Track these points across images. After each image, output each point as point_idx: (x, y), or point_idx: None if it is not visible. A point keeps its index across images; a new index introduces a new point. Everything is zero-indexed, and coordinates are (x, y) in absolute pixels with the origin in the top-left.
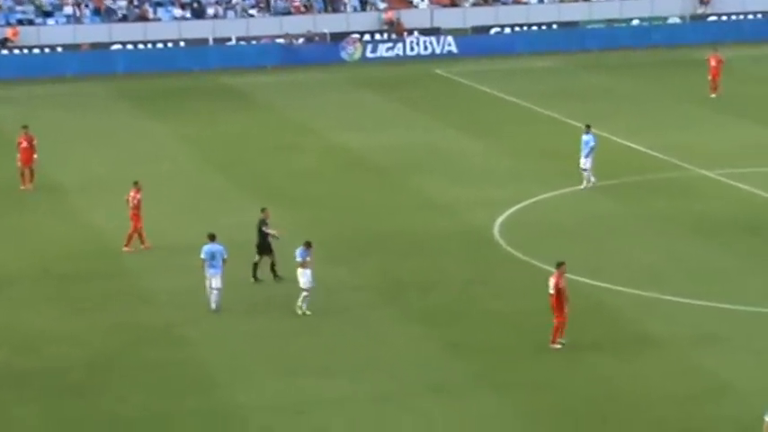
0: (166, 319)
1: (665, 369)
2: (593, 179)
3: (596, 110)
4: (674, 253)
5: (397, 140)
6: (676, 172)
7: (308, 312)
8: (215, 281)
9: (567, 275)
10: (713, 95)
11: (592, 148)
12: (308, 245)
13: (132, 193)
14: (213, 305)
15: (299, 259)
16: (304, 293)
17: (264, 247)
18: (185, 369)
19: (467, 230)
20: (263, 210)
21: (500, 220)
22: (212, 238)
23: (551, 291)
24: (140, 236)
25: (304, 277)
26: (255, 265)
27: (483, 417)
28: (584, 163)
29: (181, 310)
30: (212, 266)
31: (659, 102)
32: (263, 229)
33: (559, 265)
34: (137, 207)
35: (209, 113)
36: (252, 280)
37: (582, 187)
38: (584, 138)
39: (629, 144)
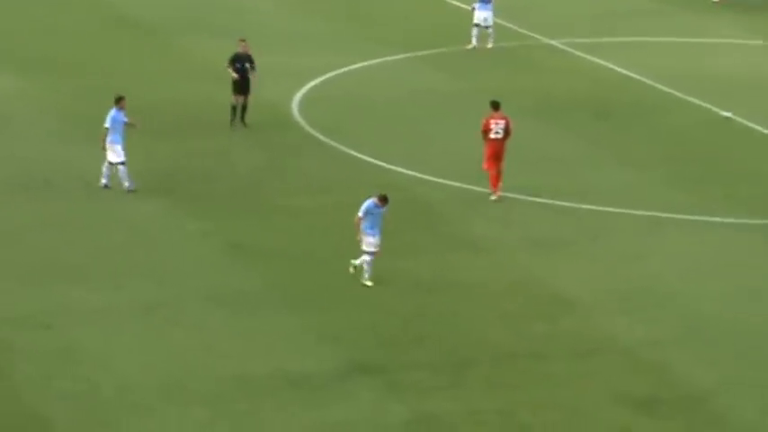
0: None
1: (494, 280)
2: (473, 39)
3: None
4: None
5: None
6: (516, 40)
7: (368, 283)
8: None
9: (380, 163)
10: None
11: None
12: (383, 200)
13: None
14: (126, 183)
15: (362, 215)
16: (366, 257)
17: (244, 86)
18: None
19: (257, 106)
20: (242, 40)
21: (300, 94)
22: (118, 101)
23: (501, 134)
24: None
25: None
26: (235, 109)
27: (272, 334)
28: (485, 17)
29: None
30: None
31: None
32: (246, 64)
33: (497, 105)
34: None
35: None
36: (231, 126)
37: (489, 45)
38: None
39: (459, 5)
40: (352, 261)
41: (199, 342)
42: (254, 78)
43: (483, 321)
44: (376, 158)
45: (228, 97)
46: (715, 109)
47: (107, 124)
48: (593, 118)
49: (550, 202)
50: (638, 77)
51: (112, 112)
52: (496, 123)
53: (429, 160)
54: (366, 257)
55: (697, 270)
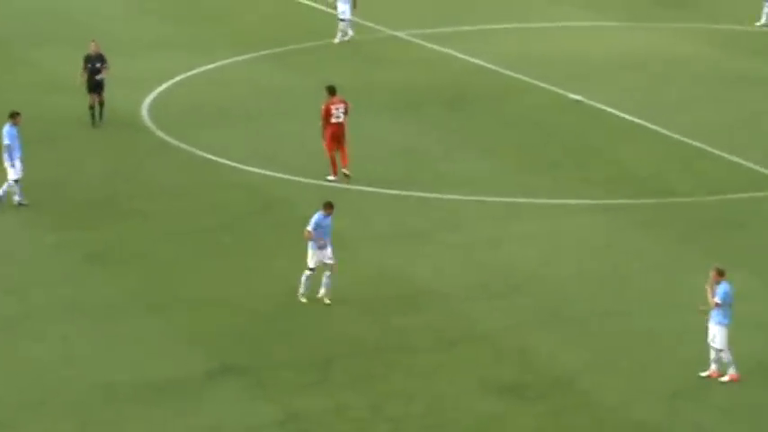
0: None
1: (355, 274)
2: (350, 32)
3: None
4: (363, 133)
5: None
6: (363, 34)
7: (327, 301)
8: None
9: (234, 164)
10: None
11: None
12: (329, 207)
13: None
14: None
15: (311, 228)
16: (308, 272)
17: (98, 84)
18: None
19: (108, 113)
20: (93, 40)
21: (149, 99)
22: (13, 116)
23: (342, 118)
24: None
25: (323, 251)
26: (92, 109)
27: (135, 341)
28: (342, 10)
29: None
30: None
31: None
32: (98, 64)
33: (333, 89)
34: None
35: None
36: (93, 126)
37: (336, 41)
38: None
39: (302, 0)
40: (300, 291)
41: (62, 354)
42: (107, 75)
43: (346, 317)
44: (230, 160)
45: (80, 104)
46: (565, 93)
47: (7, 141)
48: (445, 108)
49: (408, 193)
50: (486, 65)
51: (7, 127)
52: (337, 108)
53: (283, 159)
54: (308, 272)
55: (555, 254)
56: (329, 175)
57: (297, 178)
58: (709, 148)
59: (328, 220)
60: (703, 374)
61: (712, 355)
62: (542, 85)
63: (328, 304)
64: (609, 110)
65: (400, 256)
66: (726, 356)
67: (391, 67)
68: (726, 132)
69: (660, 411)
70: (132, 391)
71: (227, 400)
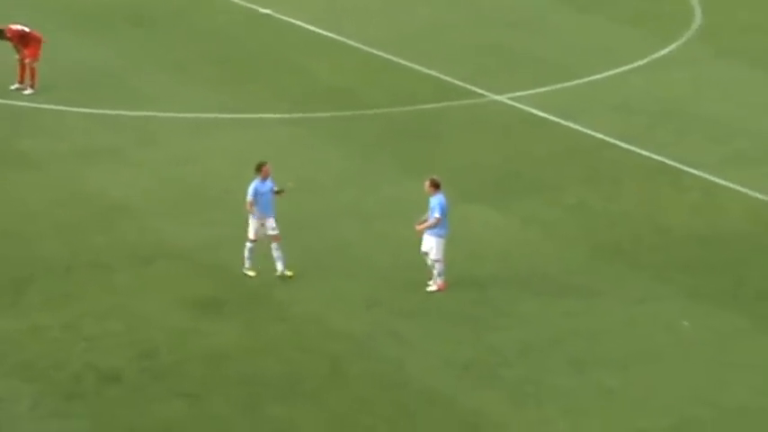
0: None
1: (46, 193)
2: None
3: None
4: (50, 51)
5: None
6: None
7: (288, 273)
8: None
9: None
10: None
11: None
12: (260, 169)
13: None
14: None
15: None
16: (250, 245)
17: None
18: None
19: None
20: None
21: None
22: None
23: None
24: None
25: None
26: None
27: None
28: None
29: None
30: None
31: None
32: None
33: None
34: None
35: None
36: None
37: None
38: None
39: None
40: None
41: None
42: None
43: (38, 236)
44: None
45: None
46: (254, 7)
47: None
48: (131, 23)
49: (96, 111)
50: None
51: None
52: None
53: None
54: (249, 244)
55: (248, 168)
56: (26, 88)
57: None
58: (398, 60)
59: (267, 185)
60: (430, 289)
61: (434, 267)
62: None
63: (291, 276)
64: (299, 23)
65: (93, 175)
66: (439, 267)
67: None
68: (413, 43)
69: (357, 320)
70: None
71: None
